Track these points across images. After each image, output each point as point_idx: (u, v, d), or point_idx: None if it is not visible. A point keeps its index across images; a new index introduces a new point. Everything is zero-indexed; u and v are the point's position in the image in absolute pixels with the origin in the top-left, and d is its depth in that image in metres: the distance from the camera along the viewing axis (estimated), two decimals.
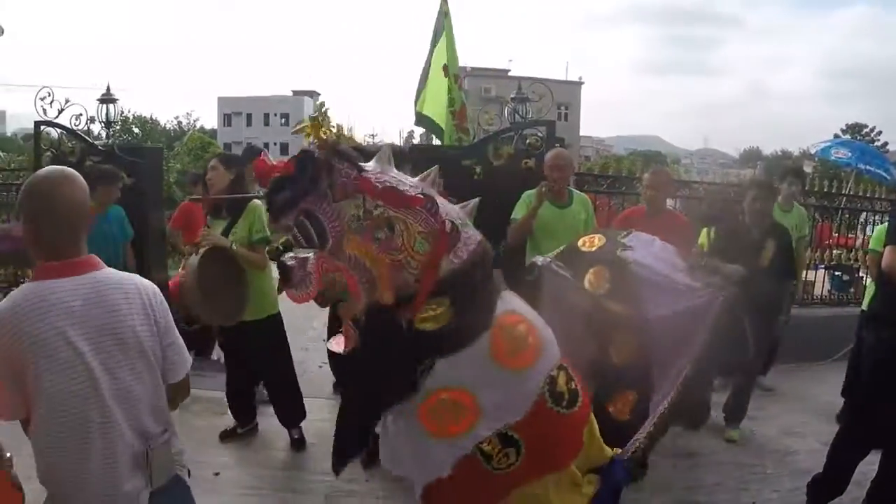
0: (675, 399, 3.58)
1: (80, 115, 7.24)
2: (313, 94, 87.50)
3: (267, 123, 79.39)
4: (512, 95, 7.16)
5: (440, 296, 2.89)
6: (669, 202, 7.15)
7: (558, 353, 3.18)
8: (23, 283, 6.64)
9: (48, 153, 7.68)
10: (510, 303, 3.15)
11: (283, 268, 2.90)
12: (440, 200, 2.97)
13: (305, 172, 2.87)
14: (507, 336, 2.99)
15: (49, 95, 7.02)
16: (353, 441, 3.30)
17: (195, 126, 76.19)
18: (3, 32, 5.02)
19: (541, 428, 3.03)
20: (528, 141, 6.73)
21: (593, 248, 4.23)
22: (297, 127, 3.53)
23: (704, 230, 6.02)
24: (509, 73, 54.40)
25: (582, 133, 68.92)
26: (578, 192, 6.30)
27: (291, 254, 3.02)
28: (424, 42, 8.23)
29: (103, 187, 6.00)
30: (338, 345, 3.21)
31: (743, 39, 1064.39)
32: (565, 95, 53.54)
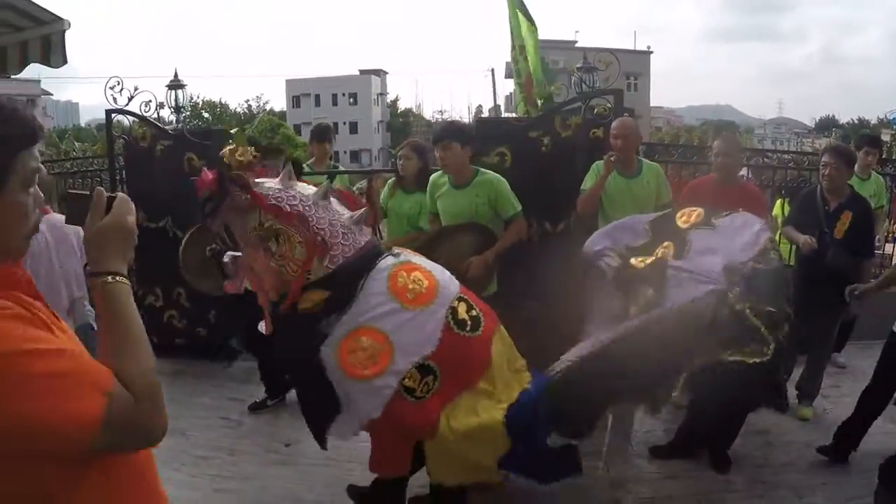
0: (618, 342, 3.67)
1: (150, 101, 7.31)
2: (380, 73, 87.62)
3: (335, 104, 79.71)
4: (578, 65, 7.04)
5: (319, 289, 3.60)
6: (741, 172, 6.99)
7: (455, 289, 3.83)
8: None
9: (120, 140, 7.83)
10: (408, 257, 3.87)
11: (220, 265, 4.04)
12: (326, 212, 3.69)
13: (222, 190, 3.63)
14: (408, 283, 3.64)
15: (119, 84, 7.09)
16: (316, 412, 3.83)
17: (264, 109, 77.02)
18: (70, 26, 5.05)
19: (451, 352, 3.59)
20: (595, 111, 6.58)
21: (685, 225, 4.49)
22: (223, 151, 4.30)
23: (779, 201, 5.84)
24: (576, 45, 53.80)
25: (652, 104, 67.70)
26: (649, 161, 6.14)
27: (230, 253, 4.03)
28: (495, 15, 8.14)
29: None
30: (263, 328, 3.94)
31: (815, 2, 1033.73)
32: (634, 65, 52.64)
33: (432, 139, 5.59)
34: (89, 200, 1.70)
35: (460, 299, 3.80)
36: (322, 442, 3.86)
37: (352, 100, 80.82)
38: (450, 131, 5.48)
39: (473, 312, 3.80)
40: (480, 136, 6.41)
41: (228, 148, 4.27)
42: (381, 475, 3.98)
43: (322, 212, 3.68)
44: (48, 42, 5.24)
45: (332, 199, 3.85)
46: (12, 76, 5.84)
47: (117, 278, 1.67)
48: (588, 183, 5.75)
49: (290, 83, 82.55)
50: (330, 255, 3.62)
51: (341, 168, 8.93)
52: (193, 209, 4.25)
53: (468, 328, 3.72)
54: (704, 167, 7.39)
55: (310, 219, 3.61)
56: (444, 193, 5.56)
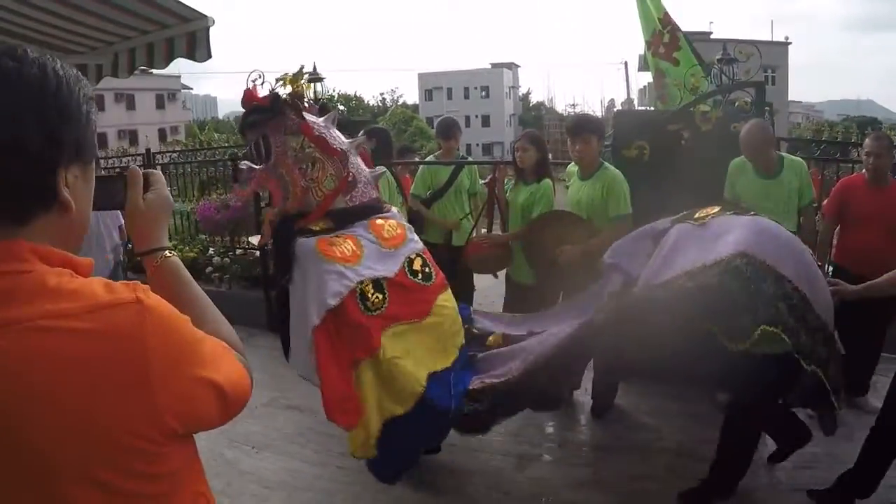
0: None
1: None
2: (512, 66, 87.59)
3: (467, 97, 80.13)
4: (717, 56, 6.84)
5: (328, 219, 4.09)
6: None
7: (417, 247, 4.36)
8: (238, 249, 6.85)
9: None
10: (395, 215, 4.48)
11: (235, 169, 4.62)
12: (356, 160, 4.30)
13: (274, 107, 4.05)
14: (387, 227, 4.23)
15: (260, 77, 7.26)
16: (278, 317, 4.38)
17: (398, 101, 78.06)
18: (213, 23, 5.24)
19: (399, 287, 4.06)
20: (736, 104, 6.37)
21: (702, 221, 4.20)
22: (280, 77, 4.43)
23: None
24: (711, 36, 52.49)
25: (790, 98, 65.34)
26: (792, 157, 5.84)
27: (246, 162, 4.37)
28: (629, 6, 8.01)
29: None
30: (257, 240, 4.47)
31: None
32: (771, 57, 50.82)
33: (569, 131, 5.60)
34: (116, 182, 1.66)
35: (418, 255, 4.33)
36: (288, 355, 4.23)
37: (484, 93, 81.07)
38: (589, 125, 5.54)
39: (427, 269, 4.32)
40: (619, 129, 6.35)
41: (290, 73, 4.46)
42: (340, 421, 3.89)
43: (355, 158, 4.30)
44: (193, 38, 5.40)
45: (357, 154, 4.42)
46: (157, 70, 6.07)
47: (173, 252, 1.70)
48: (728, 185, 5.64)
49: (422, 77, 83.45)
50: (352, 194, 4.22)
51: (469, 158, 8.99)
52: None
53: (419, 277, 4.23)
54: (847, 165, 7.11)
55: (349, 157, 4.22)
56: (572, 183, 5.72)
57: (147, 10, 5.24)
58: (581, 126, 5.50)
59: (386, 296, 3.98)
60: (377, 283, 3.97)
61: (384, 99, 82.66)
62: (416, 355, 4.02)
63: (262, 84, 7.10)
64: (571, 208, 5.60)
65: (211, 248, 9.84)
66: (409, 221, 6.17)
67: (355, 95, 76.54)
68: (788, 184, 5.49)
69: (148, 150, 12.25)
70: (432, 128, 58.85)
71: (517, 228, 5.93)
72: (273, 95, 4.13)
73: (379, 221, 4.26)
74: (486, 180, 6.80)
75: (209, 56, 5.41)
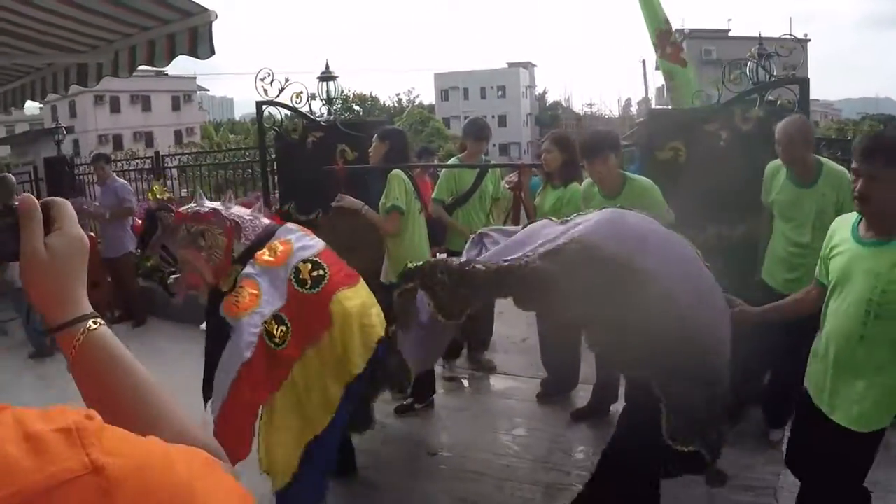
0: None
1: (301, 93, 7.18)
2: (528, 66, 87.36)
3: (483, 97, 79.95)
4: (752, 51, 6.44)
5: (235, 266, 4.27)
6: None
7: (304, 254, 4.33)
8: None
9: (272, 131, 7.75)
10: (289, 231, 4.53)
11: (167, 287, 5.53)
12: (232, 210, 4.45)
13: (153, 224, 4.56)
14: (268, 252, 4.29)
15: (269, 76, 7.01)
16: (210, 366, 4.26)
17: (414, 102, 77.90)
18: (216, 17, 4.97)
19: (296, 306, 4.14)
20: (778, 102, 5.95)
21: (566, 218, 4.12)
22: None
23: None
24: (730, 34, 51.98)
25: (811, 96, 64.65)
26: (834, 164, 5.05)
27: (173, 277, 5.00)
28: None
29: None
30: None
31: None
32: (790, 55, 50.08)
33: (584, 154, 5.23)
34: (7, 216, 1.16)
35: (307, 261, 4.32)
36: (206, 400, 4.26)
37: (500, 93, 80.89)
38: (604, 143, 5.09)
39: (317, 273, 4.31)
40: (653, 129, 5.92)
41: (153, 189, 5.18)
42: (239, 456, 3.95)
43: (231, 209, 4.49)
44: (195, 34, 5.14)
45: (230, 200, 4.67)
46: (162, 68, 5.67)
47: (99, 321, 1.20)
48: (764, 191, 5.13)
49: (438, 76, 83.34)
50: (244, 234, 4.38)
51: (492, 161, 8.52)
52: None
53: (308, 286, 4.24)
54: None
55: (221, 210, 4.40)
56: (595, 204, 5.13)
57: (148, 5, 4.97)
58: (596, 146, 5.05)
59: (288, 326, 4.13)
60: (277, 317, 4.12)
61: (400, 99, 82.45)
62: (329, 371, 4.24)
63: (270, 83, 6.90)
64: None
65: None
66: (430, 229, 5.89)
67: (371, 95, 76.28)
68: (823, 196, 4.80)
69: (157, 153, 12.04)
70: (449, 128, 58.87)
71: None
72: (148, 216, 4.88)
73: (260, 252, 4.34)
74: (506, 182, 6.46)
75: (212, 52, 5.13)
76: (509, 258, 3.77)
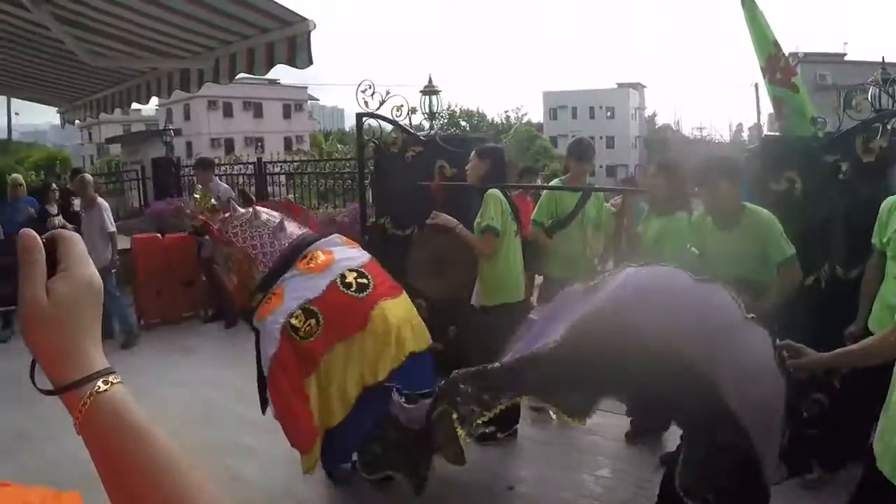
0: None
1: (401, 106, 7.03)
2: (638, 86, 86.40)
3: (592, 116, 79.39)
4: (876, 75, 6.00)
5: (259, 291, 4.74)
6: None
7: (352, 264, 4.78)
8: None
9: (371, 143, 7.65)
10: (330, 244, 4.97)
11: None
12: (253, 231, 4.93)
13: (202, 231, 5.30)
14: (307, 259, 4.76)
15: (370, 88, 6.87)
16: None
17: (522, 119, 77.77)
18: (315, 27, 4.94)
19: (334, 303, 4.50)
20: None
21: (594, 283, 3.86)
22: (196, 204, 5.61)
23: None
24: (846, 58, 50.26)
25: None
26: None
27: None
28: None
29: None
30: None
31: None
32: None
33: (696, 178, 4.88)
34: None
35: (353, 270, 4.73)
36: (264, 408, 4.88)
37: (609, 113, 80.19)
38: (721, 166, 4.71)
39: (363, 280, 4.71)
40: (767, 157, 5.49)
41: (198, 196, 5.66)
42: (302, 450, 4.62)
43: (249, 231, 4.93)
44: (294, 43, 5.15)
45: (262, 214, 5.09)
46: (259, 76, 5.93)
47: (111, 378, 0.98)
48: (878, 229, 4.55)
49: (547, 95, 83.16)
50: (261, 263, 4.81)
51: (595, 185, 8.19)
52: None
53: (352, 289, 4.61)
54: None
55: (236, 242, 4.91)
56: (709, 235, 4.81)
57: (247, 13, 5.02)
58: (711, 171, 4.68)
59: (320, 319, 4.45)
60: (307, 311, 4.46)
61: (508, 117, 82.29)
62: (352, 370, 4.53)
63: (371, 95, 6.77)
64: (715, 265, 4.55)
65: None
66: (524, 252, 5.64)
67: (478, 111, 76.38)
68: None
69: (259, 159, 12.10)
70: (556, 147, 58.45)
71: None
72: (203, 224, 5.33)
73: (301, 260, 4.77)
74: (612, 205, 6.16)
75: (310, 62, 5.08)
76: (532, 347, 3.59)
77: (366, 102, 6.88)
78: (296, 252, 4.81)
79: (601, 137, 74.44)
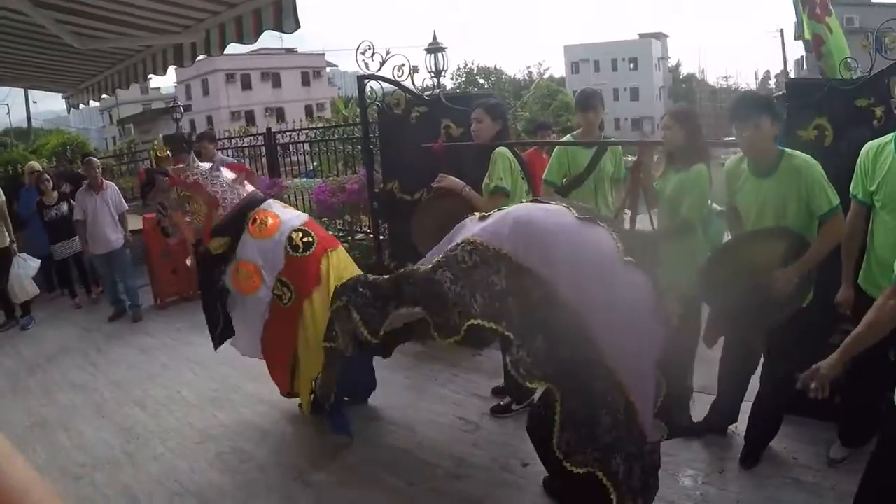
0: None
1: (403, 65, 6.76)
2: (660, 36, 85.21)
3: (615, 69, 78.44)
4: None
5: (220, 235, 5.21)
6: None
7: (295, 223, 5.29)
8: (358, 231, 7.00)
9: (374, 106, 7.48)
10: (270, 206, 5.44)
11: (163, 230, 5.88)
12: (218, 176, 5.39)
13: (150, 180, 5.63)
14: (258, 223, 5.22)
15: (370, 49, 6.63)
16: (211, 318, 5.58)
17: (543, 75, 77.01)
18: None
19: (293, 269, 5.11)
20: None
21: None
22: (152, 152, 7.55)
23: None
24: (872, 1, 49.13)
25: None
26: None
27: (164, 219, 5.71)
28: None
29: None
30: (190, 263, 5.79)
31: None
32: None
33: (733, 113, 4.33)
34: None
35: (297, 230, 5.26)
36: (216, 345, 5.67)
37: (632, 65, 79.17)
38: (759, 103, 4.25)
39: (308, 239, 5.24)
40: (793, 103, 5.06)
41: (154, 147, 6.01)
42: (283, 390, 5.68)
43: (210, 180, 5.37)
44: (279, 8, 5.02)
45: (221, 168, 5.54)
46: (250, 45, 5.64)
47: None
48: (863, 178, 4.25)
49: (568, 49, 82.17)
50: (222, 207, 5.28)
51: (612, 138, 7.73)
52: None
53: (300, 250, 5.16)
54: None
55: (203, 185, 5.34)
56: (744, 183, 4.40)
57: None
58: (747, 105, 4.24)
59: (291, 287, 5.10)
60: (281, 282, 5.12)
61: (530, 73, 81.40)
62: (320, 322, 4.92)
63: (371, 56, 6.51)
64: (751, 215, 4.36)
65: (330, 231, 9.35)
66: None
67: (496, 68, 75.53)
68: None
69: (269, 129, 11.98)
70: None
71: (667, 223, 4.89)
72: (147, 175, 5.84)
73: (252, 225, 5.24)
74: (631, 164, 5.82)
75: (297, 26, 4.92)
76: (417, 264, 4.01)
77: (366, 64, 6.65)
78: (250, 206, 5.34)
79: (625, 90, 73.70)
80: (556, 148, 6.12)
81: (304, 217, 5.52)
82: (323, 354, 4.78)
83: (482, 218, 3.89)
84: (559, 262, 3.37)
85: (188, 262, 5.73)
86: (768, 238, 4.14)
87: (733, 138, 4.39)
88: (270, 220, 5.24)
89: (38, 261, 9.81)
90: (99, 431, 6.16)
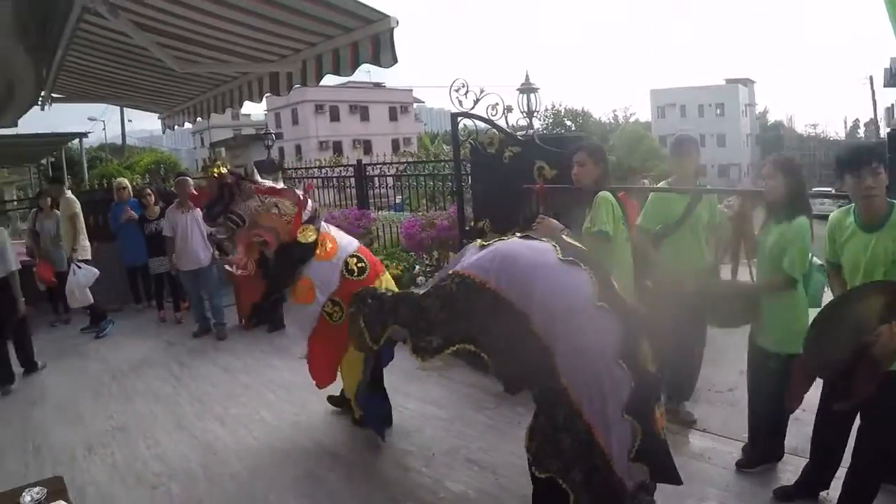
0: None
1: (496, 104, 6.77)
2: (747, 82, 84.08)
3: (701, 114, 77.43)
4: None
5: (309, 223, 5.68)
6: None
7: (350, 250, 5.82)
8: (449, 270, 6.68)
9: (468, 144, 7.47)
10: (328, 229, 5.94)
11: (219, 246, 6.40)
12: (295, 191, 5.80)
13: (223, 196, 5.71)
14: (320, 245, 5.66)
15: (464, 87, 6.71)
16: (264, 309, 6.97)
17: (629, 119, 76.61)
18: (398, 24, 4.88)
19: (347, 290, 5.41)
20: None
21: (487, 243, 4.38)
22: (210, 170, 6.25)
23: None
24: None
25: None
26: None
27: (217, 236, 5.96)
28: (873, 14, 6.52)
29: None
30: (235, 269, 5.87)
31: None
32: None
33: (845, 162, 4.05)
34: None
35: (353, 255, 5.78)
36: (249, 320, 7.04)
37: (718, 111, 78.14)
38: (873, 152, 4.00)
39: (361, 265, 5.76)
40: (894, 154, 4.86)
41: (218, 165, 6.09)
42: (320, 383, 6.08)
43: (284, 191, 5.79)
44: (377, 41, 5.11)
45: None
46: (346, 77, 5.80)
47: None
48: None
49: (654, 93, 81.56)
50: (306, 210, 5.75)
51: (708, 186, 7.52)
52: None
53: (355, 274, 5.67)
54: None
55: (286, 190, 5.80)
56: (850, 237, 4.15)
57: (330, 14, 5.02)
58: (864, 153, 3.98)
59: (342, 306, 5.51)
60: (333, 301, 5.58)
61: (616, 116, 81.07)
62: None
63: (465, 94, 6.53)
64: (856, 271, 4.12)
65: (417, 266, 9.37)
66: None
67: (583, 111, 75.36)
68: None
69: (359, 161, 12.05)
70: (665, 147, 57.31)
71: (767, 278, 4.72)
72: (219, 185, 5.80)
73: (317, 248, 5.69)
74: (725, 206, 5.68)
75: (395, 61, 5.01)
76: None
77: (460, 101, 6.69)
78: (314, 220, 5.81)
79: (711, 136, 72.66)
80: (652, 194, 6.03)
81: (356, 243, 6.04)
82: (361, 367, 5.54)
83: (481, 247, 4.22)
84: (535, 297, 3.66)
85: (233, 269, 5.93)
86: (877, 292, 3.86)
87: (828, 189, 4.22)
88: (329, 245, 5.77)
89: (97, 271, 10.01)
90: (177, 443, 6.25)
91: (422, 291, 4.33)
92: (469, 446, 5.73)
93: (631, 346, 3.65)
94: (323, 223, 5.98)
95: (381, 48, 5.03)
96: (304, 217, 5.71)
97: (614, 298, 3.75)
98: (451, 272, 4.09)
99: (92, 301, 10.01)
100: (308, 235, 5.67)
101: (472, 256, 4.14)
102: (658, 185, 6.45)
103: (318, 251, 5.66)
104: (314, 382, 6.08)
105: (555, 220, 5.18)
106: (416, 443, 5.89)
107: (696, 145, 5.96)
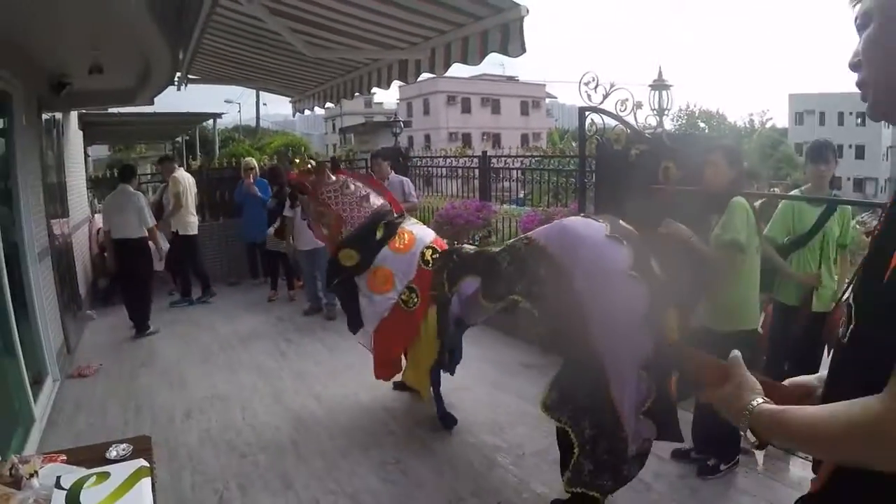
0: None
1: (626, 100, 6.54)
2: None
3: (841, 123, 74.11)
4: None
5: (348, 247, 6.17)
6: None
7: (427, 241, 6.17)
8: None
9: (594, 140, 7.29)
10: (407, 222, 6.38)
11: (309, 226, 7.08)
12: (344, 197, 6.32)
13: (294, 194, 7.07)
14: (398, 238, 6.14)
15: (594, 81, 6.52)
16: (352, 316, 6.34)
17: (766, 124, 74.47)
18: (528, 12, 4.78)
19: (422, 279, 5.90)
20: None
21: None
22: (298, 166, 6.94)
23: None
24: None
25: None
26: None
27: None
28: None
29: None
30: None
31: None
32: None
33: None
34: None
35: (428, 247, 6.08)
36: (353, 331, 6.38)
37: (859, 120, 74.56)
38: None
39: (436, 255, 5.95)
40: None
41: (298, 160, 7.14)
42: (380, 376, 6.38)
43: (340, 198, 6.30)
44: (507, 30, 5.01)
45: (351, 184, 6.43)
46: (472, 65, 5.70)
47: None
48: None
49: (793, 97, 78.65)
50: (349, 224, 6.22)
51: (842, 197, 7.14)
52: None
53: (430, 265, 5.91)
54: None
55: (331, 204, 6.30)
56: None
57: (460, 2, 4.99)
58: None
59: (417, 294, 5.88)
60: (410, 288, 5.91)
61: (752, 120, 78.88)
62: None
63: (594, 88, 6.36)
64: None
65: None
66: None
67: (718, 113, 73.61)
68: None
69: (484, 153, 11.98)
70: (801, 155, 55.57)
71: None
72: (291, 187, 7.01)
73: (394, 241, 6.12)
74: (857, 223, 5.34)
75: (523, 50, 4.90)
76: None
77: (589, 96, 6.51)
78: (375, 221, 6.24)
79: (850, 146, 69.67)
80: (782, 204, 5.75)
81: (432, 235, 6.40)
82: (438, 346, 5.78)
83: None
84: (579, 259, 4.16)
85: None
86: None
87: None
88: (407, 237, 6.18)
89: (167, 245, 10.54)
90: (272, 416, 6.44)
91: (494, 249, 4.93)
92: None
93: (657, 314, 3.99)
94: (407, 218, 6.50)
95: (510, 37, 4.95)
96: (344, 233, 6.22)
97: (647, 271, 4.11)
98: (522, 236, 4.84)
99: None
100: (345, 259, 6.16)
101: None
102: (792, 193, 6.11)
103: (396, 244, 6.11)
104: (375, 376, 6.37)
105: (682, 226, 4.92)
106: (507, 439, 5.88)
107: (835, 152, 5.65)
